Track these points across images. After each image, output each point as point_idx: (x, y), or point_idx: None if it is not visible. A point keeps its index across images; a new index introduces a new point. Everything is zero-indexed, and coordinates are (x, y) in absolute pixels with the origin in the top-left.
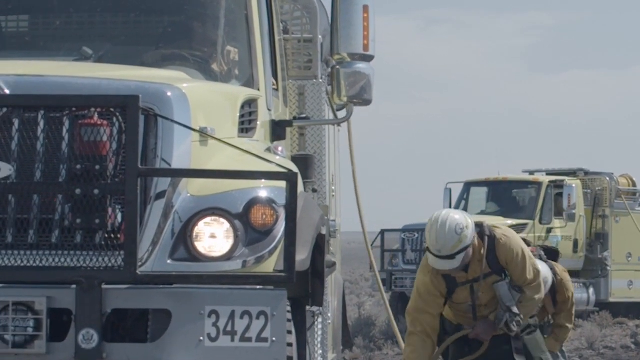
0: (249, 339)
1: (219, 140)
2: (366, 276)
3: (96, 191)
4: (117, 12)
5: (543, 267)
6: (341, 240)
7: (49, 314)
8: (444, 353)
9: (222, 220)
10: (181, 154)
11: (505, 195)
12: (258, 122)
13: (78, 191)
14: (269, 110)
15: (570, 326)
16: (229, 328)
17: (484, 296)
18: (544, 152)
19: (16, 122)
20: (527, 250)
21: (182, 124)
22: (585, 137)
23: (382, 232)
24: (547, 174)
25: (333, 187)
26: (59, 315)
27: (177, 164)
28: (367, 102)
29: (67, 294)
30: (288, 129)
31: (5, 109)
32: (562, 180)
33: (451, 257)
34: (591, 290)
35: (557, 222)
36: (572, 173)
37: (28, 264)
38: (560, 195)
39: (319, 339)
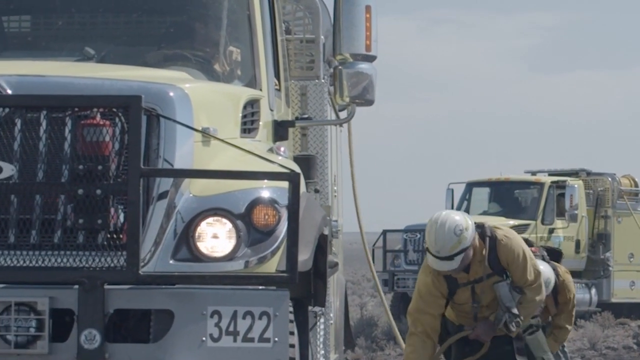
0: (252, 339)
1: (221, 140)
2: (368, 276)
3: (98, 191)
4: (119, 12)
5: (545, 268)
6: (343, 240)
7: (51, 314)
8: (447, 353)
9: (224, 220)
10: (183, 154)
11: (507, 196)
12: (260, 123)
13: (80, 191)
14: (271, 110)
15: (570, 327)
16: (231, 328)
17: (485, 297)
18: (546, 153)
19: (18, 122)
20: (528, 251)
21: (185, 124)
22: (587, 138)
23: (384, 232)
24: (549, 175)
25: (335, 188)
26: (61, 315)
27: (179, 164)
28: (370, 103)
29: (70, 294)
30: (290, 130)
31: (7, 109)
32: (564, 181)
33: (450, 258)
34: (593, 290)
35: (559, 223)
36: (574, 173)
37: (30, 264)
38: (562, 195)
39: (321, 340)
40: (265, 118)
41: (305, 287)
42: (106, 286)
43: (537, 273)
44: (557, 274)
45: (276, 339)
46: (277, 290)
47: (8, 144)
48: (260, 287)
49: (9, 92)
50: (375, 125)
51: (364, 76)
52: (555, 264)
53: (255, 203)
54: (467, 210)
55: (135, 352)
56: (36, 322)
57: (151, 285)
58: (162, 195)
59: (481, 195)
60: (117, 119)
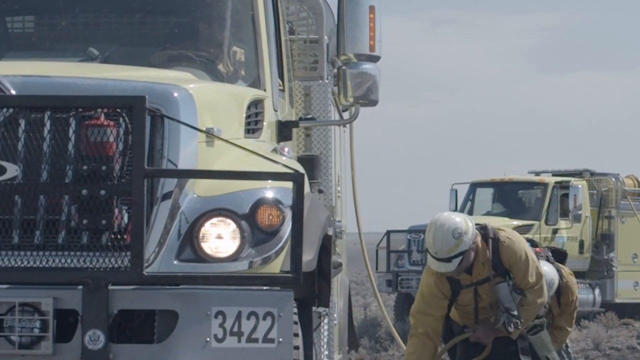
0: (256, 340)
1: (225, 140)
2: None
3: (102, 192)
4: (123, 13)
5: (549, 269)
6: (347, 241)
7: (55, 314)
8: (452, 354)
9: (228, 220)
10: (187, 155)
11: (511, 196)
12: (264, 123)
13: (84, 192)
14: (275, 110)
15: (570, 329)
16: (235, 329)
17: (487, 298)
18: (550, 153)
19: (22, 122)
20: (531, 253)
21: (189, 124)
22: (590, 138)
23: (388, 232)
24: (553, 175)
25: (339, 188)
26: (66, 316)
27: (183, 164)
28: (374, 103)
29: (74, 295)
30: (294, 130)
31: (11, 110)
32: (568, 181)
33: (448, 260)
34: (597, 291)
35: (562, 223)
36: (577, 174)
37: (34, 265)
38: (566, 196)
39: (325, 340)
40: (269, 118)
41: (310, 288)
42: (110, 287)
43: (539, 275)
44: (561, 276)
45: (280, 339)
46: (281, 290)
47: (12, 145)
48: (265, 288)
49: (13, 92)
50: (378, 126)
51: (368, 76)
52: (560, 265)
53: (259, 203)
54: (470, 211)
55: (139, 352)
56: (40, 322)
57: (155, 285)
58: (166, 196)
59: (485, 196)
60: (121, 120)
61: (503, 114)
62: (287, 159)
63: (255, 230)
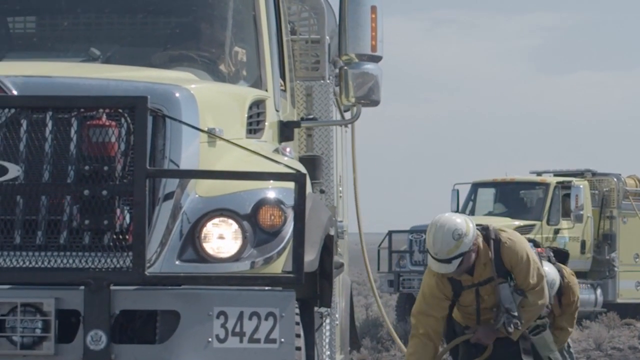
0: (258, 340)
1: (227, 141)
2: (373, 277)
3: (104, 192)
4: (124, 13)
5: (551, 269)
6: (349, 241)
7: (57, 315)
8: (454, 354)
9: (230, 221)
10: (189, 155)
11: (512, 196)
12: (266, 123)
13: (86, 192)
14: (277, 111)
15: (571, 329)
16: (237, 329)
17: (489, 299)
18: (552, 153)
19: (24, 123)
20: (532, 255)
21: (190, 124)
22: (592, 138)
23: (390, 233)
24: (555, 175)
25: (340, 188)
26: (67, 316)
27: (185, 164)
28: (375, 103)
29: (76, 295)
30: (296, 130)
31: (13, 110)
32: (570, 181)
33: (447, 261)
34: (599, 291)
35: (564, 223)
36: (579, 174)
37: (36, 265)
38: (567, 196)
39: (327, 340)
40: (271, 119)
41: (312, 288)
42: (112, 287)
43: (540, 277)
44: (562, 276)
45: (282, 339)
46: (283, 291)
47: (14, 145)
48: (267, 288)
49: (15, 92)
50: (379, 126)
51: (370, 76)
52: (561, 265)
53: (261, 204)
54: (472, 211)
55: (141, 353)
56: (42, 323)
57: (157, 286)
58: (168, 196)
59: (486, 196)
60: (123, 120)
61: (503, 114)
62: (289, 159)
63: (257, 231)
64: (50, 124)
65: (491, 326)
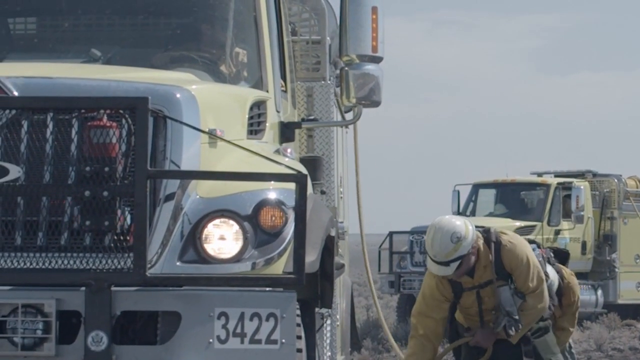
0: (259, 341)
1: (228, 141)
2: (374, 278)
3: (105, 193)
4: (125, 14)
5: (549, 270)
6: (349, 242)
7: (58, 316)
8: (457, 355)
9: (231, 222)
10: (190, 156)
11: (513, 197)
12: (267, 124)
13: (87, 193)
14: (278, 111)
15: (572, 330)
16: (238, 330)
17: (490, 301)
18: (552, 154)
19: (25, 124)
20: (533, 258)
21: (191, 125)
22: (593, 139)
23: (391, 234)
24: (555, 176)
25: (341, 189)
26: (68, 317)
27: (186, 165)
28: (376, 104)
29: (76, 296)
30: (296, 131)
31: (14, 111)
32: (570, 182)
33: (446, 263)
34: (599, 292)
35: (565, 224)
36: (580, 175)
37: (37, 266)
38: (568, 197)
39: (328, 341)
40: (272, 119)
41: (312, 289)
42: (113, 288)
43: (540, 280)
44: (561, 277)
45: (283, 340)
46: (284, 291)
47: (15, 146)
48: (268, 289)
49: (16, 93)
50: (380, 126)
51: (371, 77)
52: (560, 266)
53: (262, 204)
54: (473, 212)
55: (142, 354)
56: (43, 324)
57: (158, 287)
58: (168, 197)
59: (487, 197)
60: (123, 121)
61: (504, 115)
62: (290, 160)
63: (258, 232)
64: (51, 125)
65: (490, 329)
